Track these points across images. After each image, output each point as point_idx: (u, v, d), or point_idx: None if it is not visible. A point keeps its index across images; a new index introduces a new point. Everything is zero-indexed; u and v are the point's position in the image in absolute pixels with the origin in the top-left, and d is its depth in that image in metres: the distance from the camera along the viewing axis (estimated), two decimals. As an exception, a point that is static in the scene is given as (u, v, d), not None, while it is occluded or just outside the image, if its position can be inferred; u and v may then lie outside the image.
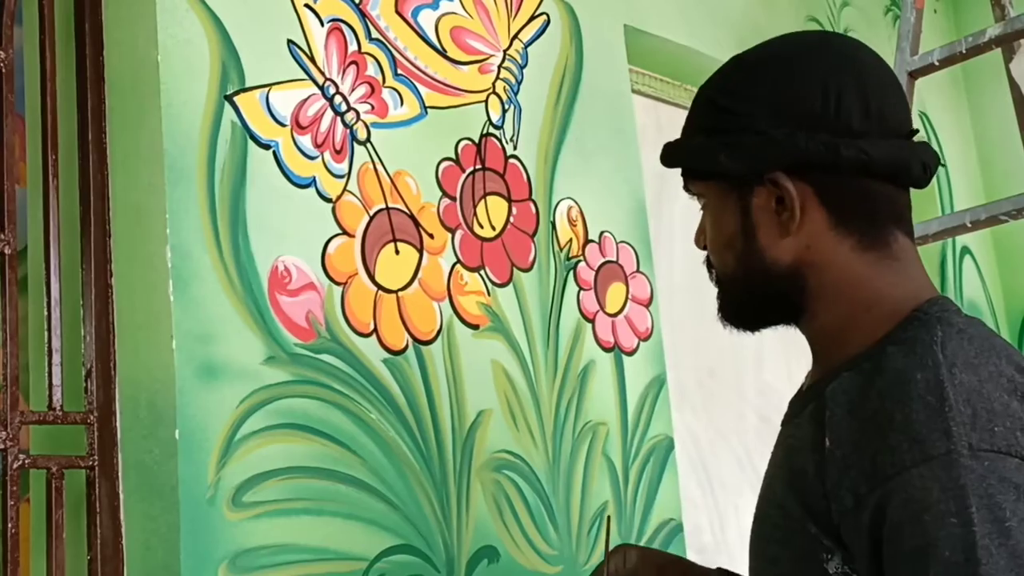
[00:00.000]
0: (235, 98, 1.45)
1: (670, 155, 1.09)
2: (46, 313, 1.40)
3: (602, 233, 1.94)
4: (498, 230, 1.76)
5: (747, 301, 1.07)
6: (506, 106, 1.83)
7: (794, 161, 0.98)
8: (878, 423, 0.88)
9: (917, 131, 1.03)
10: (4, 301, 1.34)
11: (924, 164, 1.00)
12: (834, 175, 0.98)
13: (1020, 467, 0.83)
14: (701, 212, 1.10)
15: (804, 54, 1.02)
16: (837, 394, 0.93)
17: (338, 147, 1.55)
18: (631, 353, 1.93)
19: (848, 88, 0.98)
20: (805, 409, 0.99)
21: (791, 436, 1.01)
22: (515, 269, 1.76)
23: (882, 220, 1.00)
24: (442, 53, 1.74)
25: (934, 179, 1.03)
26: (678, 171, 1.09)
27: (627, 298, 1.96)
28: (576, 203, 1.89)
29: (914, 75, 2.22)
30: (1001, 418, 0.85)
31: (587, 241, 1.90)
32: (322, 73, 1.56)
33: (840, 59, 1.01)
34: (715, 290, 1.11)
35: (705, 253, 1.12)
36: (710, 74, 1.08)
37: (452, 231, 1.68)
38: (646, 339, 1.97)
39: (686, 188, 1.10)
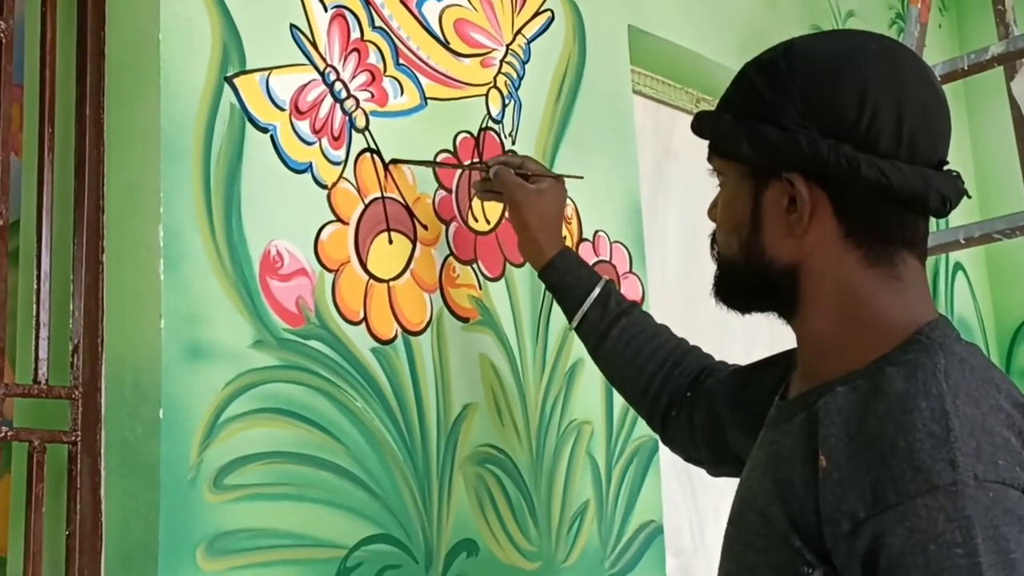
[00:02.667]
0: (235, 80, 1.45)
1: (700, 125, 1.09)
2: (35, 286, 1.39)
3: (596, 232, 1.93)
4: (492, 224, 1.76)
5: (740, 287, 1.08)
6: (506, 101, 1.82)
7: (813, 167, 0.97)
8: (879, 449, 0.87)
9: (947, 162, 1.02)
10: (-6, 273, 1.34)
11: (944, 197, 0.99)
12: (851, 189, 0.97)
13: (1022, 500, 0.83)
14: (719, 186, 1.10)
15: (853, 60, 0.99)
16: (831, 411, 0.93)
17: (336, 134, 1.55)
18: (620, 353, 1.93)
19: (886, 107, 0.97)
20: (794, 417, 0.99)
21: (776, 443, 1.01)
22: (508, 264, 1.76)
23: (892, 241, 1.00)
24: (445, 45, 1.74)
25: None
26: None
27: (618, 298, 1.95)
28: (571, 201, 1.89)
29: (915, 89, 2.22)
30: (1003, 451, 0.85)
31: (581, 239, 1.90)
32: (323, 59, 1.56)
33: (888, 75, 0.99)
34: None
35: (713, 227, 1.12)
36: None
37: (447, 223, 1.68)
38: (635, 340, 1.97)
39: (709, 159, 1.09)
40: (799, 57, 1.02)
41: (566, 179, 1.63)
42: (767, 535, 0.95)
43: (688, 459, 1.44)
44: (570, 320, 1.50)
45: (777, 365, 1.24)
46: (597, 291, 1.48)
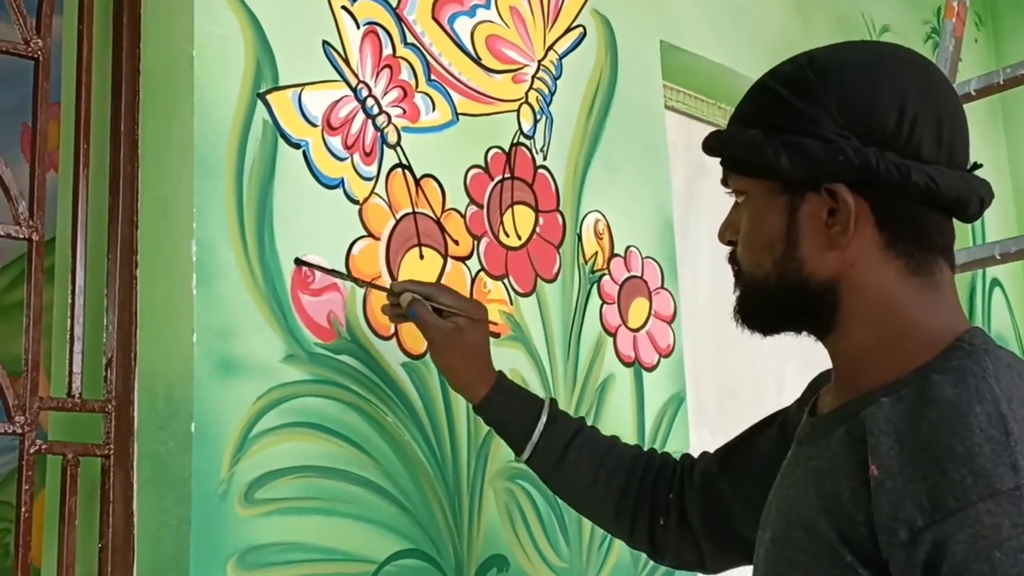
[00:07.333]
0: (268, 96, 1.46)
1: (716, 144, 1.06)
2: (70, 301, 1.41)
3: (628, 248, 1.93)
4: (524, 239, 1.76)
5: (771, 307, 1.05)
6: (538, 116, 1.83)
7: (859, 176, 0.96)
8: (934, 455, 0.86)
9: (980, 165, 1.01)
10: (30, 287, 1.35)
11: (982, 200, 0.99)
12: (895, 197, 0.96)
13: None
14: (734, 206, 1.07)
15: (885, 68, 0.99)
16: (879, 421, 0.91)
17: (368, 149, 1.56)
18: (651, 369, 1.93)
19: (925, 113, 0.96)
20: (833, 431, 0.98)
21: (815, 458, 0.99)
22: (539, 279, 1.76)
23: (932, 248, 0.99)
24: (476, 61, 1.75)
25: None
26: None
27: (650, 314, 1.95)
28: (603, 216, 1.89)
29: (950, 104, 2.21)
30: None
31: (612, 255, 1.90)
32: (355, 75, 1.57)
33: (920, 82, 0.98)
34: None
35: (729, 247, 1.09)
36: (741, 93, 1.06)
37: (478, 238, 1.68)
38: (667, 356, 1.96)
39: (724, 181, 1.07)
40: (827, 68, 1.00)
41: (485, 302, 1.51)
42: (814, 551, 0.94)
43: (681, 565, 1.35)
44: (520, 453, 1.38)
45: (771, 426, 1.24)
46: (544, 417, 1.37)
